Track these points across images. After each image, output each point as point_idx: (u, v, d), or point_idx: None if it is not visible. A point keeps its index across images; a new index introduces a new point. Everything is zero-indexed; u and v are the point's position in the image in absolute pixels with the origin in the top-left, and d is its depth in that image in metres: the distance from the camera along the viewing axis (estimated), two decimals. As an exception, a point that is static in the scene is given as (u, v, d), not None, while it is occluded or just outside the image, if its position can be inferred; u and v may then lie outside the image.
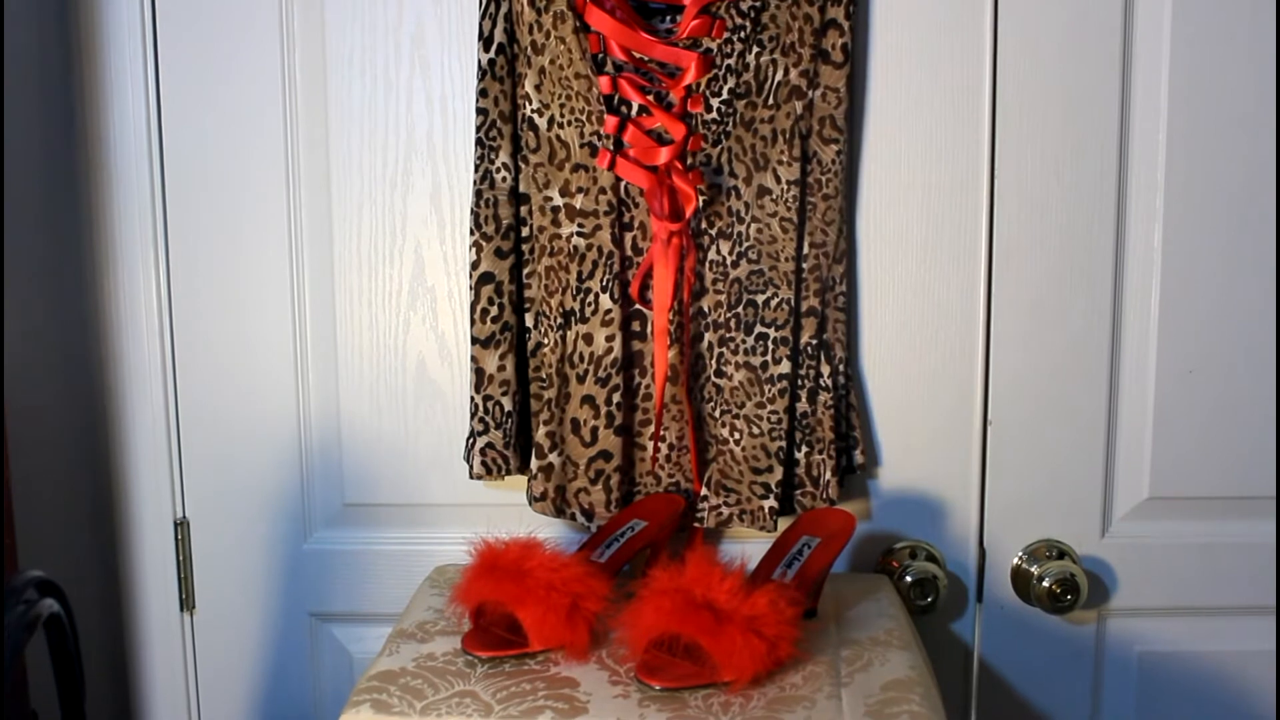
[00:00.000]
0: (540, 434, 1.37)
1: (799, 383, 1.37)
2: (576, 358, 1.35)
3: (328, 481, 1.47)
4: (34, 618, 0.98)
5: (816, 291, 1.35)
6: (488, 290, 1.36)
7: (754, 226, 1.34)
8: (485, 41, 1.32)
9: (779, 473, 1.36)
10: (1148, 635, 1.47)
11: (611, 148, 1.31)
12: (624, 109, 1.31)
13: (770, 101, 1.31)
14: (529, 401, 1.39)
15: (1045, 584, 1.41)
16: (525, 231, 1.36)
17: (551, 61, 1.31)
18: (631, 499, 1.40)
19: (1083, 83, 1.36)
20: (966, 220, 1.38)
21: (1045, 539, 1.44)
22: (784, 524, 1.38)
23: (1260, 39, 1.35)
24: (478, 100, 1.34)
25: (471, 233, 1.36)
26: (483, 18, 1.32)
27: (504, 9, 1.32)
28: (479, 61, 1.33)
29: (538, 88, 1.32)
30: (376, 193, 1.41)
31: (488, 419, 1.37)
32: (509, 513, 1.44)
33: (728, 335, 1.36)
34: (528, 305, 1.38)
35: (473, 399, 1.38)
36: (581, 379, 1.35)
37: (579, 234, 1.33)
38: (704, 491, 1.38)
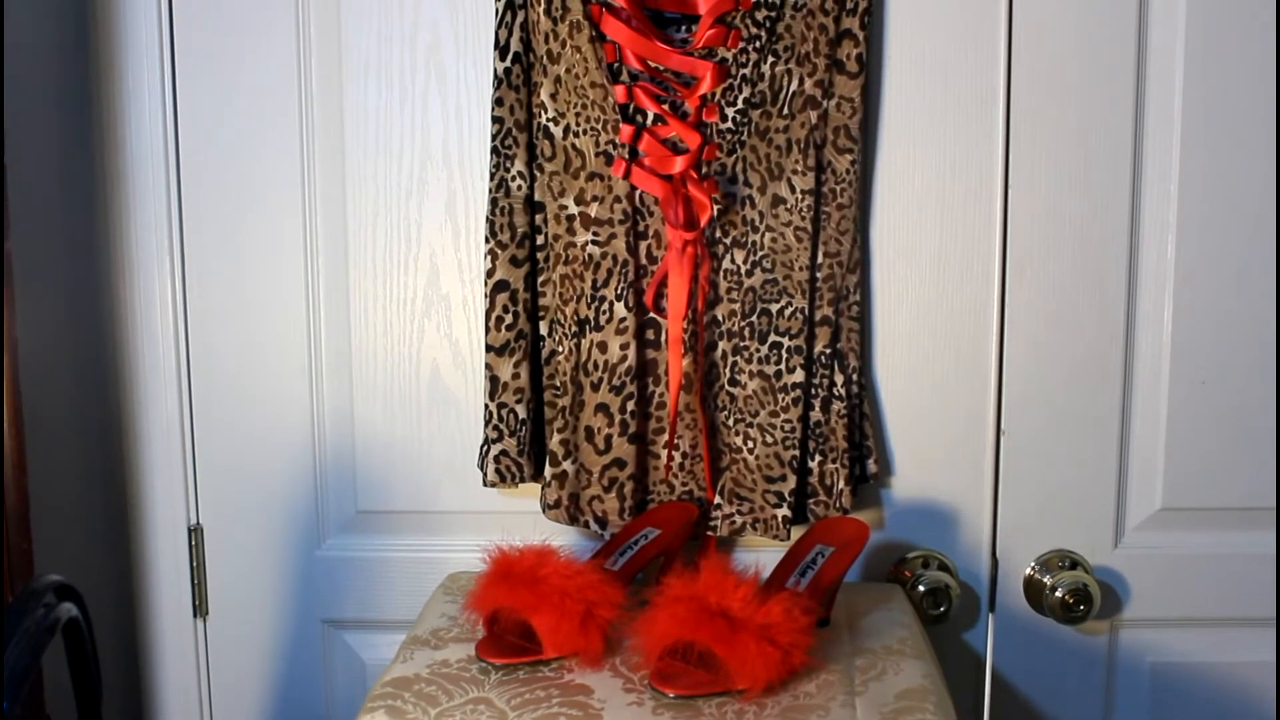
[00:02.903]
0: (554, 442, 1.37)
1: (812, 391, 1.37)
2: (591, 366, 1.36)
3: (341, 488, 1.48)
4: (53, 621, 0.98)
5: (830, 301, 1.35)
6: (502, 298, 1.36)
7: (768, 235, 1.34)
8: (501, 50, 1.33)
9: (792, 481, 1.37)
10: (1160, 646, 1.47)
11: (627, 156, 1.31)
12: (639, 118, 1.31)
13: (785, 111, 1.32)
14: (543, 409, 1.40)
15: (1058, 594, 1.41)
16: (540, 240, 1.37)
17: (567, 70, 1.31)
18: (645, 507, 1.40)
19: (1097, 93, 1.36)
20: (980, 230, 1.39)
21: (1058, 549, 1.44)
22: (797, 533, 1.38)
23: (1274, 50, 1.35)
24: (493, 108, 1.34)
25: (486, 240, 1.36)
26: (499, 26, 1.33)
27: (520, 18, 1.32)
28: (495, 70, 1.33)
29: (553, 96, 1.33)
30: (391, 200, 1.42)
31: (502, 426, 1.38)
32: (523, 520, 1.44)
33: (742, 344, 1.36)
34: (542, 313, 1.38)
35: (487, 406, 1.38)
36: (596, 387, 1.36)
37: (594, 242, 1.34)
38: (717, 500, 1.38)
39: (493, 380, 1.37)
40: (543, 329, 1.38)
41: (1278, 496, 1.43)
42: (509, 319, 1.36)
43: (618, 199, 1.33)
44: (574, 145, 1.33)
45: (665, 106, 1.31)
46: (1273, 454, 1.42)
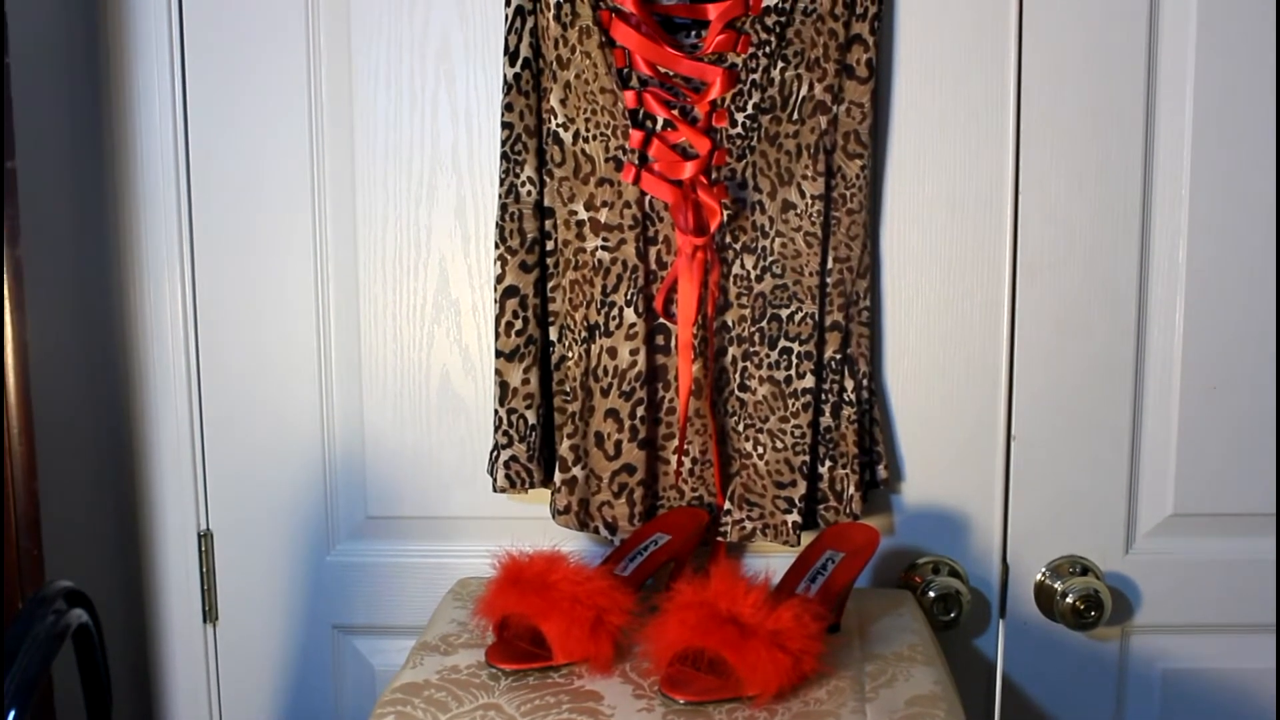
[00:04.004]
0: (564, 447, 1.37)
1: (822, 397, 1.37)
2: (600, 371, 1.35)
3: (351, 494, 1.48)
4: (63, 628, 0.98)
5: (840, 306, 1.35)
6: (512, 304, 1.36)
7: (778, 241, 1.34)
8: (511, 56, 1.33)
9: (802, 487, 1.36)
10: (1171, 652, 1.47)
11: (636, 162, 1.31)
12: (649, 124, 1.31)
13: (795, 116, 1.32)
14: (553, 415, 1.40)
15: (1069, 600, 1.41)
16: (550, 245, 1.37)
17: (577, 76, 1.31)
18: (655, 513, 1.40)
19: (1107, 98, 1.36)
20: (991, 235, 1.38)
21: (1068, 555, 1.44)
22: (807, 539, 1.38)
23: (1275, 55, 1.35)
24: (503, 114, 1.34)
25: (496, 246, 1.36)
26: (508, 32, 1.33)
27: (530, 24, 1.32)
28: (504, 76, 1.34)
29: (563, 102, 1.33)
30: (401, 206, 1.42)
31: (511, 432, 1.38)
32: (532, 526, 1.45)
33: (751, 349, 1.36)
34: (552, 319, 1.38)
35: (496, 412, 1.38)
36: (605, 393, 1.36)
37: (604, 248, 1.34)
38: (727, 505, 1.38)
39: (502, 386, 1.37)
40: (552, 334, 1.38)
41: (1277, 503, 1.42)
42: (519, 324, 1.36)
43: (627, 204, 1.33)
44: (584, 151, 1.33)
45: (675, 112, 1.31)
46: (1285, 459, 1.42)
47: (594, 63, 1.30)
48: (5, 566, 1.23)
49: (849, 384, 1.36)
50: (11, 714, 0.91)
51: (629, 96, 1.30)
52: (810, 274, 1.34)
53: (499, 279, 1.36)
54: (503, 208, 1.36)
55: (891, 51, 1.36)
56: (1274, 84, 1.35)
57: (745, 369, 1.37)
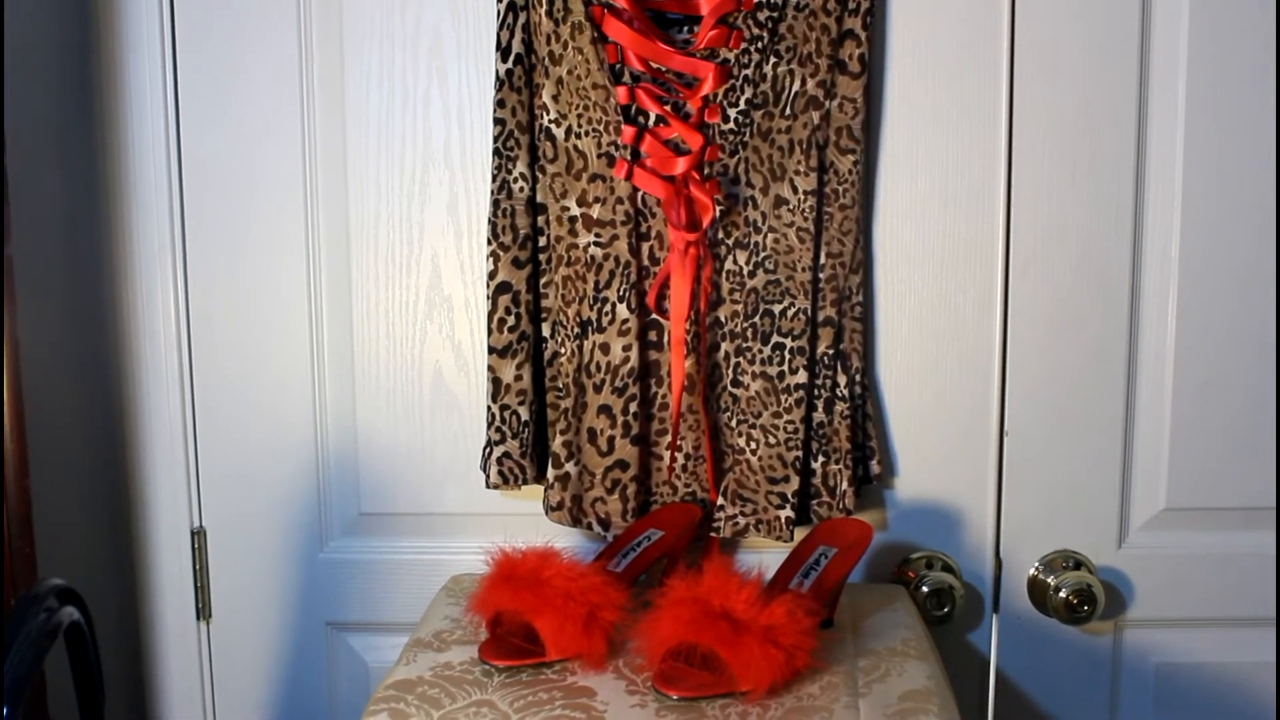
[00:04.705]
0: (557, 443, 1.37)
1: (815, 393, 1.37)
2: (593, 367, 1.35)
3: (344, 491, 1.48)
4: (55, 625, 0.98)
5: (833, 301, 1.35)
6: (505, 300, 1.36)
7: (771, 236, 1.34)
8: (503, 52, 1.33)
9: (795, 483, 1.36)
10: (1165, 646, 1.47)
11: (629, 158, 1.31)
12: (641, 119, 1.31)
13: (787, 112, 1.32)
14: (545, 411, 1.39)
15: (1062, 594, 1.41)
16: (542, 241, 1.36)
17: (569, 72, 1.31)
18: (648, 508, 1.40)
19: (1100, 93, 1.36)
20: (983, 231, 1.38)
21: (1062, 549, 1.44)
22: (800, 534, 1.37)
23: (1275, 49, 1.35)
24: (495, 110, 1.34)
25: (489, 242, 1.36)
26: (500, 28, 1.33)
27: (522, 20, 1.32)
28: (497, 72, 1.33)
29: (555, 98, 1.32)
30: (394, 203, 1.41)
31: (504, 428, 1.38)
32: (525, 522, 1.44)
33: (744, 345, 1.36)
34: (545, 315, 1.38)
35: (489, 408, 1.38)
36: (598, 388, 1.36)
37: (596, 244, 1.34)
38: (720, 501, 1.38)
39: (495, 382, 1.37)
40: (545, 331, 1.38)
41: (1278, 499, 1.43)
42: (511, 321, 1.36)
43: (620, 200, 1.32)
44: (576, 147, 1.33)
45: (667, 108, 1.31)
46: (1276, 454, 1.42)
47: (586, 58, 1.30)
48: (-3, 564, 1.23)
49: (842, 379, 1.36)
50: (4, 711, 0.91)
51: (621, 92, 1.30)
52: (803, 269, 1.34)
53: (491, 275, 1.36)
54: (495, 204, 1.36)
55: (884, 46, 1.36)
56: (1270, 78, 1.35)
57: (738, 364, 1.37)
